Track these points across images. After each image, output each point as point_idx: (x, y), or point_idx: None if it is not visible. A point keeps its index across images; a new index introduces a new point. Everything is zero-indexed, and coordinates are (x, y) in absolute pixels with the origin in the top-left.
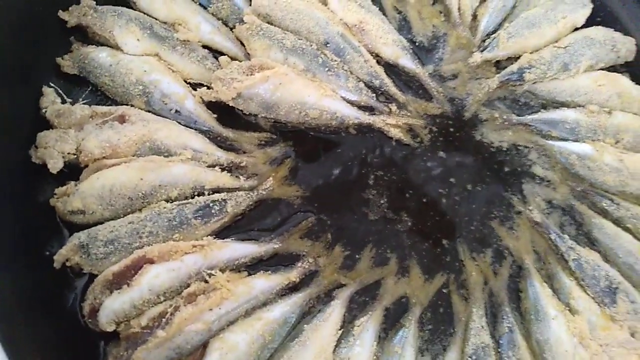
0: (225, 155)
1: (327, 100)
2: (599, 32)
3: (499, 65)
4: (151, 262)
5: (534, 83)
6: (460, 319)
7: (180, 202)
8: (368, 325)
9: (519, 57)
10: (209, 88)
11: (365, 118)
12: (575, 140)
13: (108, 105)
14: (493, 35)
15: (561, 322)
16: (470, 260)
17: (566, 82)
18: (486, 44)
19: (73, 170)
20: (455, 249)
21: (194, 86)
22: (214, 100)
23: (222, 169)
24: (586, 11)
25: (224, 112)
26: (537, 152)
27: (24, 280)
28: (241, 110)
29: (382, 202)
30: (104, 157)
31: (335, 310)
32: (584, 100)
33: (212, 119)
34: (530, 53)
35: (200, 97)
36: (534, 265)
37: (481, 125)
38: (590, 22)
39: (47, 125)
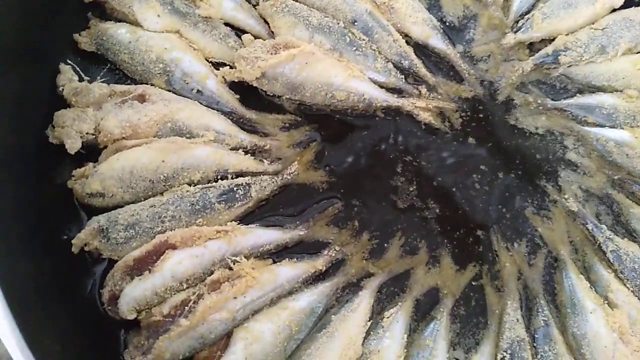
0: (249, 137)
1: (355, 81)
2: (638, 13)
3: (532, 47)
4: (173, 247)
5: (569, 66)
6: (494, 311)
7: (204, 185)
8: (398, 317)
9: (553, 39)
10: (231, 67)
11: (393, 100)
12: (613, 127)
13: (127, 84)
14: (527, 16)
15: (599, 316)
16: (504, 250)
17: (603, 66)
18: (519, 24)
19: (91, 151)
20: (488, 238)
21: (216, 65)
22: (237, 80)
23: (246, 152)
24: None
25: (247, 92)
26: (573, 139)
27: (40, 265)
28: (265, 91)
29: (411, 189)
30: (123, 138)
31: (364, 301)
32: (622, 85)
33: (235, 100)
34: (566, 35)
35: (223, 77)
36: (570, 256)
37: (514, 109)
38: (629, 3)
39: (65, 104)
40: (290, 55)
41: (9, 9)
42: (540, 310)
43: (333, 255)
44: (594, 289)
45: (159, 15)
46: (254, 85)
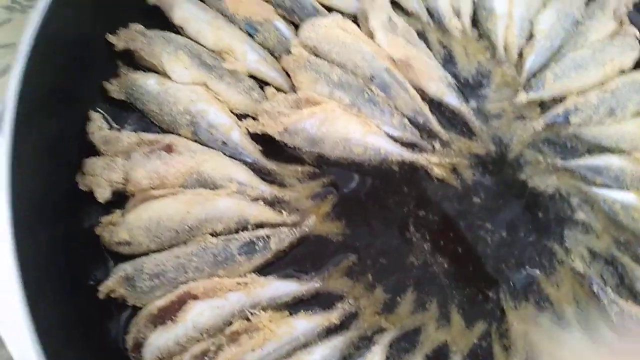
0: (269, 189)
1: (372, 136)
2: None
3: (543, 106)
4: (195, 298)
5: (579, 126)
6: None
7: (226, 237)
8: None
9: (564, 99)
10: (254, 119)
11: (408, 155)
12: (620, 189)
13: (154, 132)
14: (539, 75)
15: None
16: (512, 309)
17: (612, 128)
18: (532, 83)
19: (117, 197)
20: (496, 296)
21: (239, 117)
22: (259, 132)
23: (266, 203)
24: (635, 54)
25: (267, 143)
26: (580, 199)
27: (68, 309)
28: (285, 143)
29: (424, 244)
30: (151, 188)
31: (376, 356)
32: (630, 147)
33: (257, 151)
34: (577, 95)
35: (246, 129)
36: (575, 316)
37: (525, 167)
38: (638, 66)
39: (94, 149)
40: (311, 113)
41: (39, 54)
42: None
43: (347, 308)
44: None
45: (186, 68)
46: (277, 138)
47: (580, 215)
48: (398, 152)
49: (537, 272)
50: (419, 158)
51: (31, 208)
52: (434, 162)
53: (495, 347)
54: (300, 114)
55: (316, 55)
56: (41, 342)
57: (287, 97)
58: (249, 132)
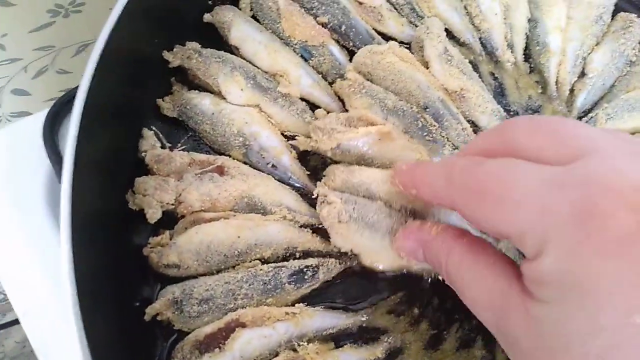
0: (317, 215)
1: None
2: None
3: None
4: (244, 326)
5: None
6: None
7: (276, 264)
8: None
9: None
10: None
11: None
12: None
13: (205, 151)
14: (590, 115)
15: None
16: None
17: None
18: (583, 121)
19: (166, 217)
20: None
21: (290, 138)
22: (310, 149)
23: (313, 231)
24: None
25: (316, 169)
26: None
27: (113, 329)
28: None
29: None
30: (202, 210)
31: None
32: None
33: (306, 176)
34: None
35: (295, 154)
36: None
37: None
38: None
39: (145, 168)
40: (368, 132)
41: (95, 70)
42: None
43: (392, 342)
44: None
45: (242, 89)
46: (328, 155)
47: None
48: None
49: None
50: None
51: (86, 226)
52: None
53: None
54: (356, 131)
55: (369, 82)
56: None
57: (339, 115)
58: (298, 157)
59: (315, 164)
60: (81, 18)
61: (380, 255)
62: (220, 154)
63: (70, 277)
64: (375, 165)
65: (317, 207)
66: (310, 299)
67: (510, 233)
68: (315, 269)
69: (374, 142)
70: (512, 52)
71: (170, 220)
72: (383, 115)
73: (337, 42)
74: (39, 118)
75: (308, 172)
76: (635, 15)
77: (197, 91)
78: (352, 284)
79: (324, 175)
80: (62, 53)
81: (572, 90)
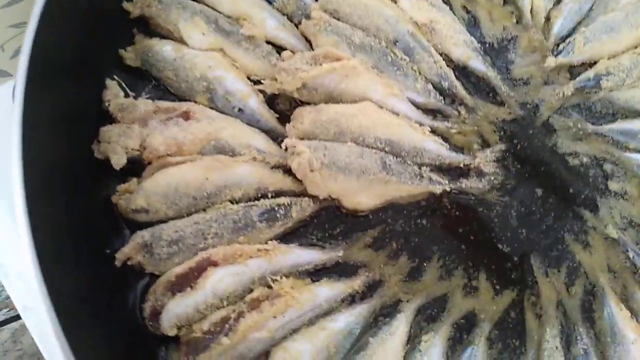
0: None
1: (393, 99)
2: None
3: (573, 70)
4: (215, 264)
5: (611, 91)
6: (533, 337)
7: (246, 204)
8: (435, 341)
9: (595, 63)
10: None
11: (428, 123)
12: None
13: (170, 101)
14: (568, 39)
15: None
16: (543, 276)
17: None
18: (561, 48)
19: (134, 166)
20: (526, 264)
21: (257, 83)
22: (277, 92)
23: (285, 171)
24: None
25: (285, 113)
26: (613, 165)
27: (85, 278)
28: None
29: (451, 212)
30: (168, 155)
31: (402, 324)
32: None
33: (274, 119)
34: (608, 59)
35: (263, 97)
36: (609, 284)
37: (554, 133)
38: None
39: (110, 119)
40: (331, 68)
41: (56, 23)
42: (579, 338)
43: (371, 276)
44: (635, 318)
45: (203, 34)
46: (295, 96)
47: (613, 181)
48: (417, 119)
49: (569, 239)
50: (439, 125)
51: (46, 178)
52: (454, 129)
53: (527, 314)
54: (320, 69)
55: (336, 19)
56: (57, 311)
57: (304, 54)
58: (265, 99)
59: (284, 108)
60: None
61: (360, 196)
62: (185, 100)
63: (27, 232)
64: (344, 102)
65: (287, 159)
66: (286, 238)
67: None
68: (288, 208)
69: (341, 78)
70: None
71: (140, 169)
72: (351, 52)
73: None
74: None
75: (277, 116)
76: None
77: (158, 38)
78: (328, 221)
79: (292, 119)
80: None
81: (548, 18)
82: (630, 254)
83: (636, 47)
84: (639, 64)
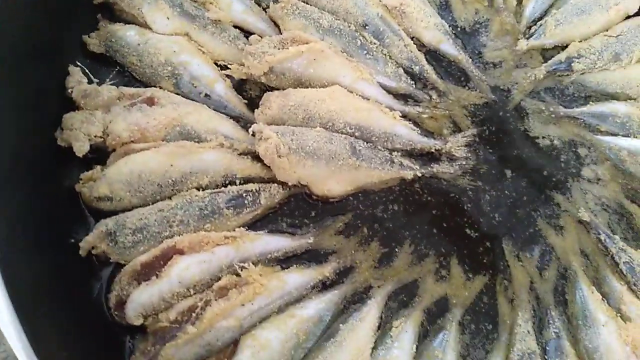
0: None
1: (363, 83)
2: None
3: (545, 53)
4: (181, 252)
5: (582, 74)
6: (505, 322)
7: (213, 190)
8: (407, 327)
9: (566, 46)
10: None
11: (399, 107)
12: (626, 136)
13: (136, 87)
14: (540, 22)
15: (612, 329)
16: (515, 260)
17: (617, 73)
18: (532, 31)
19: (99, 154)
20: (498, 248)
21: (224, 68)
22: (244, 77)
23: (254, 158)
24: None
25: (254, 99)
26: (585, 147)
27: (47, 268)
28: (270, 86)
29: (422, 197)
30: (132, 141)
31: (372, 310)
32: (636, 93)
33: (243, 105)
34: (579, 42)
35: (230, 83)
36: (581, 267)
37: (526, 117)
38: None
39: (73, 106)
40: (298, 51)
41: (19, 9)
42: (551, 322)
43: (341, 262)
44: (606, 301)
45: (168, 18)
46: (262, 80)
47: (586, 165)
48: (389, 104)
49: (542, 222)
50: (411, 110)
51: (7, 166)
52: (425, 114)
53: (499, 299)
54: (287, 52)
55: (305, 3)
56: (20, 303)
57: (271, 38)
58: (233, 85)
59: (254, 94)
60: None
61: (329, 182)
62: (151, 86)
63: None
64: (313, 87)
65: (255, 145)
66: (255, 225)
67: None
68: (256, 194)
69: (309, 62)
70: None
71: (104, 157)
72: (319, 35)
73: None
74: None
75: (245, 102)
76: None
77: (122, 24)
78: (298, 208)
79: (260, 104)
80: None
81: (520, 1)
82: (602, 237)
83: (607, 30)
84: (609, 46)
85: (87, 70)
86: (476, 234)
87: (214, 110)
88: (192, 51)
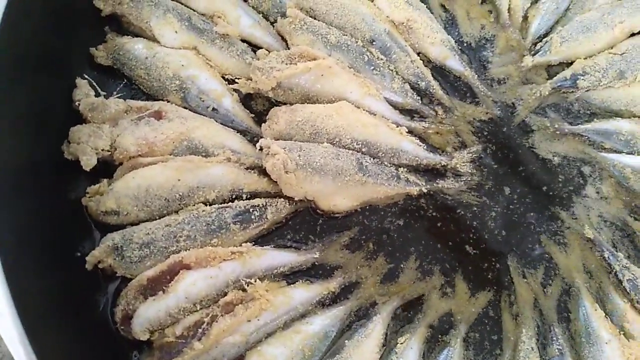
0: None
1: (370, 99)
2: None
3: (550, 70)
4: (188, 267)
5: (587, 91)
6: (510, 338)
7: (220, 205)
8: (412, 343)
9: (572, 63)
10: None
11: (405, 123)
12: (630, 153)
13: (143, 100)
14: (545, 39)
15: (615, 346)
16: (519, 277)
17: (622, 91)
18: (538, 47)
19: (106, 167)
20: (503, 265)
21: (231, 82)
22: (252, 91)
23: (260, 172)
24: None
25: (261, 113)
26: (590, 165)
27: (53, 282)
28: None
29: (428, 213)
30: (139, 155)
31: (378, 326)
32: None
33: (250, 119)
34: (585, 59)
35: (238, 94)
36: (584, 284)
37: (531, 133)
38: None
39: (80, 119)
40: (306, 67)
41: (26, 21)
42: (554, 338)
43: (347, 277)
44: (609, 318)
45: (176, 32)
46: (270, 95)
47: (590, 182)
48: (395, 119)
49: (546, 239)
50: (417, 126)
51: (14, 179)
52: (431, 130)
53: (504, 315)
54: (295, 68)
55: (313, 18)
56: (26, 316)
57: (279, 53)
58: (240, 99)
59: (261, 108)
60: None
61: (336, 197)
62: (158, 100)
63: None
64: (320, 102)
65: (262, 160)
66: (260, 240)
67: None
68: (263, 209)
69: (317, 78)
70: None
71: (111, 171)
72: (327, 51)
73: None
74: None
75: (252, 116)
76: None
77: (130, 36)
78: (304, 223)
79: (268, 119)
80: None
81: (525, 17)
82: (606, 254)
83: (612, 47)
84: (614, 63)
85: (94, 83)
86: (481, 250)
87: (221, 124)
88: (200, 65)
